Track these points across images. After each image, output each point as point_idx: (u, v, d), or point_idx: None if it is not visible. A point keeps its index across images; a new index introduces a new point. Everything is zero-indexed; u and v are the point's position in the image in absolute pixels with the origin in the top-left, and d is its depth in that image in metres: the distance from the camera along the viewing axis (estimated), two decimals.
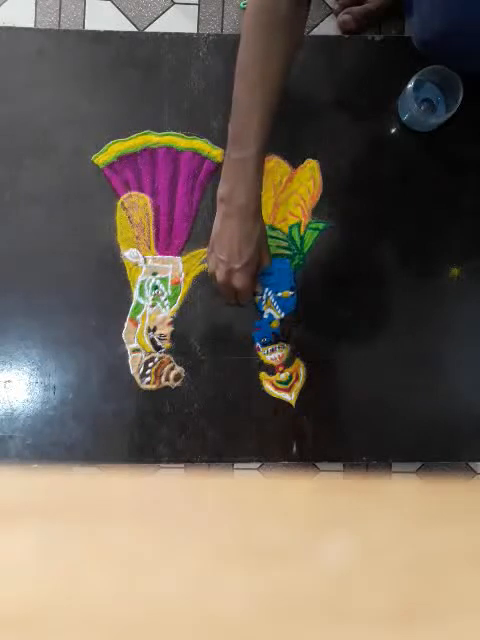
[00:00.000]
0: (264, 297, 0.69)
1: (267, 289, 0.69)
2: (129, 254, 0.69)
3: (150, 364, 0.68)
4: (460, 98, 0.64)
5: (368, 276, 0.70)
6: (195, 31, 0.77)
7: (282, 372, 0.69)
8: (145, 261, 0.69)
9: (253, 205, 0.56)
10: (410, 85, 0.66)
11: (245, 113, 0.55)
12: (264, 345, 0.69)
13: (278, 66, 0.54)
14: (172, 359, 0.68)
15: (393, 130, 0.71)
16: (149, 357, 0.68)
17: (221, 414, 0.68)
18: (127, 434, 0.67)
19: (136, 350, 0.68)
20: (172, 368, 0.68)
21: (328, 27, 0.79)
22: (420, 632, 0.11)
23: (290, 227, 0.70)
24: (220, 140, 0.69)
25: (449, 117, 0.66)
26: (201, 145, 0.69)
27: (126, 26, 0.76)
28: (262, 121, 0.54)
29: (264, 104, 0.54)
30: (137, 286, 0.68)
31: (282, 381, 0.69)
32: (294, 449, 0.68)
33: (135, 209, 0.69)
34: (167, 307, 0.69)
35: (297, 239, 0.69)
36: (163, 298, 0.69)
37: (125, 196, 0.69)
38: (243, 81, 0.55)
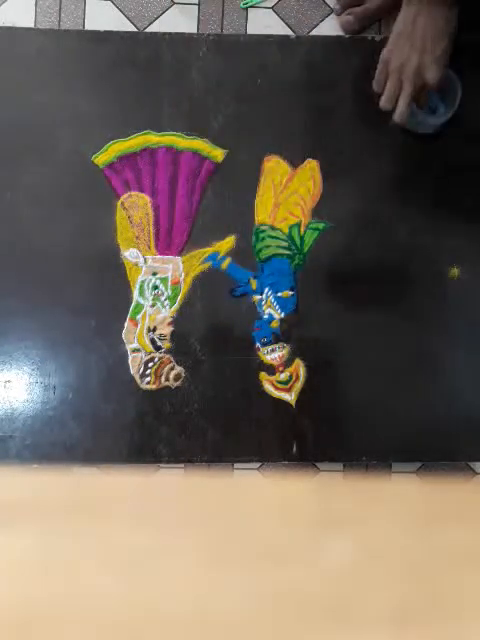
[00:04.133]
0: (264, 297, 0.69)
1: (267, 289, 0.69)
2: (129, 254, 0.69)
3: (150, 364, 0.68)
4: (459, 100, 0.64)
5: (368, 276, 0.70)
6: (195, 31, 0.76)
7: (282, 372, 0.69)
8: (145, 261, 0.69)
9: None
10: None
11: None
12: (264, 345, 0.69)
13: None
14: (172, 359, 0.68)
15: (393, 131, 0.71)
16: (149, 357, 0.68)
17: (221, 414, 0.68)
18: (127, 434, 0.67)
19: (136, 350, 0.68)
20: (172, 368, 0.68)
21: (328, 27, 0.78)
22: (420, 632, 0.11)
23: (290, 227, 0.70)
24: (220, 140, 0.69)
25: (448, 119, 0.66)
26: (201, 145, 0.69)
27: (126, 26, 0.76)
28: None
29: None
30: (137, 286, 0.68)
31: (282, 381, 0.69)
32: (294, 449, 0.68)
33: (135, 209, 0.69)
34: (167, 307, 0.69)
35: (297, 239, 0.69)
36: (163, 298, 0.69)
37: (125, 196, 0.69)
38: None
